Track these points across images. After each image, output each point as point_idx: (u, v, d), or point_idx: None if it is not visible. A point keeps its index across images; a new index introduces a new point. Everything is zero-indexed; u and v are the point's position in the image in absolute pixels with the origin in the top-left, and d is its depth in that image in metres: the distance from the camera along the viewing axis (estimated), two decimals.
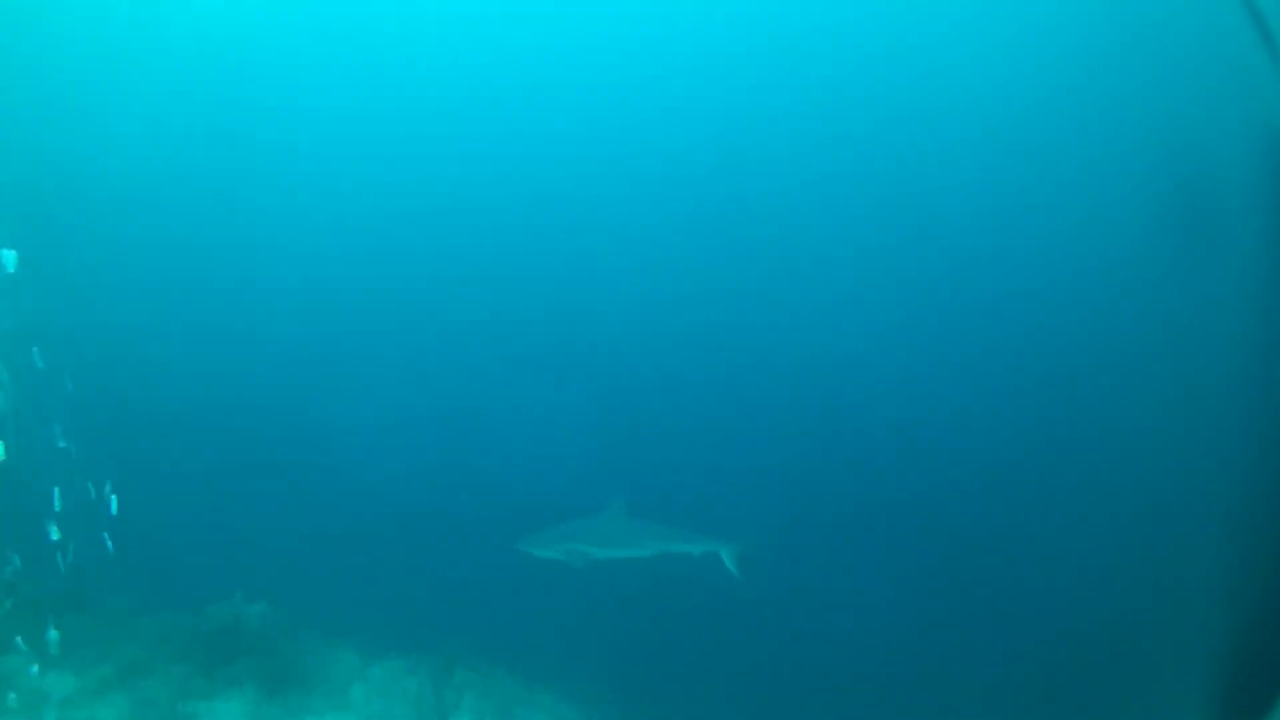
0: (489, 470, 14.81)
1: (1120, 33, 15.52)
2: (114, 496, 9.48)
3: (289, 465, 14.93)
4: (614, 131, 18.58)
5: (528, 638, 12.14)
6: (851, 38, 17.82)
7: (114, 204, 16.78)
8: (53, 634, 8.86)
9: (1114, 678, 11.67)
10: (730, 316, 17.23)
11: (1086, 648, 12.19)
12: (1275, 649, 5.28)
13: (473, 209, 18.14)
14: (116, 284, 16.29)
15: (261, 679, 10.51)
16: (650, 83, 18.69)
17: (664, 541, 11.79)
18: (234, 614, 11.35)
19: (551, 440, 14.88)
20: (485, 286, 17.66)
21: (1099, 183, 16.28)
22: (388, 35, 19.07)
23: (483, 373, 16.56)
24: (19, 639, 9.16)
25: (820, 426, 15.87)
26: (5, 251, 8.18)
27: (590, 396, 15.59)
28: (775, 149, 18.11)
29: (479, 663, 11.82)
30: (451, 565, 13.12)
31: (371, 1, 19.27)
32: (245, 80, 18.12)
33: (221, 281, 17.05)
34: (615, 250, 17.72)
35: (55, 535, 9.02)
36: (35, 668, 9.14)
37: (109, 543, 9.52)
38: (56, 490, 9.05)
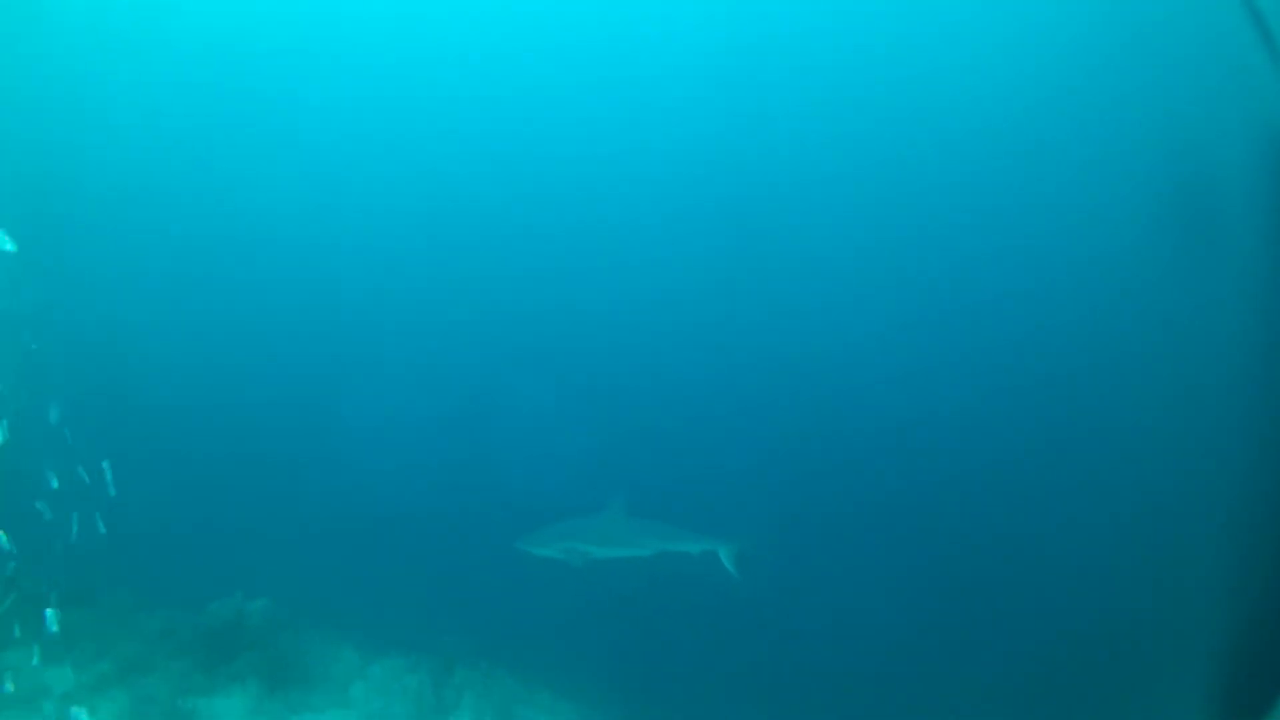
0: (489, 469, 14.80)
1: (1120, 33, 15.52)
2: (109, 473, 9.50)
3: (291, 464, 14.94)
4: (612, 132, 18.59)
5: (528, 637, 12.14)
6: (852, 38, 17.82)
7: (118, 199, 16.82)
8: (50, 613, 8.84)
9: (1114, 678, 11.66)
10: (729, 316, 17.23)
11: (1087, 647, 12.18)
12: (1275, 649, 5.28)
13: (475, 209, 18.16)
14: (119, 282, 16.30)
15: (262, 676, 10.55)
16: (650, 84, 18.69)
17: (663, 541, 11.79)
18: (235, 611, 11.39)
19: (551, 439, 14.88)
20: (485, 286, 17.68)
21: (1099, 182, 16.27)
22: (392, 34, 19.08)
23: (484, 372, 16.57)
24: (18, 628, 9.17)
25: (820, 426, 15.86)
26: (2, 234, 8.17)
27: (590, 396, 15.60)
28: (775, 148, 18.11)
29: (479, 661, 11.84)
30: (452, 564, 13.11)
31: (374, 1, 19.28)
32: (250, 77, 18.14)
33: (223, 280, 17.07)
34: (614, 250, 17.72)
35: (59, 520, 9.03)
36: (36, 659, 9.14)
37: (103, 526, 9.52)
38: (55, 480, 9.07)
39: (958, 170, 17.16)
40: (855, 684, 11.79)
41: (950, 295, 16.87)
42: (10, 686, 8.97)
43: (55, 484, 9.09)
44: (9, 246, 8.26)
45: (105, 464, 9.47)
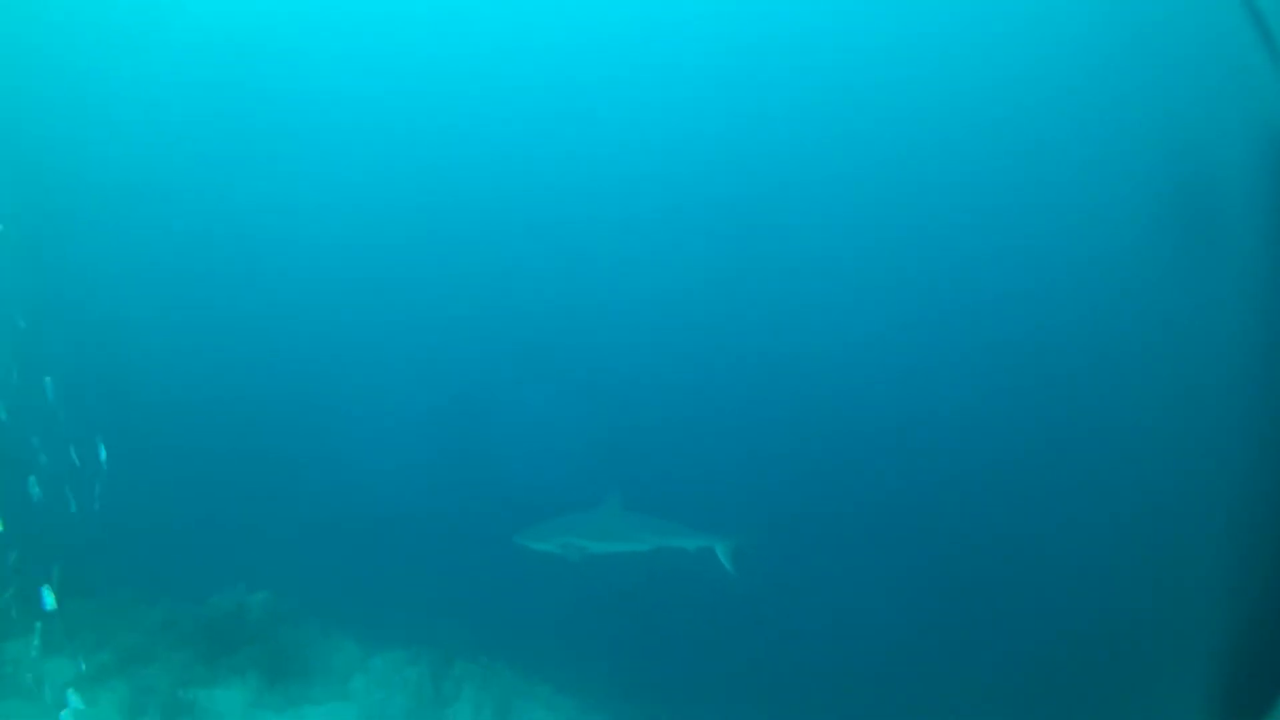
0: (489, 464, 14.82)
1: (1120, 33, 15.51)
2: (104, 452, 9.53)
3: (293, 458, 14.99)
4: (607, 131, 18.59)
5: (527, 631, 12.17)
6: (852, 38, 17.82)
7: (123, 195, 16.88)
8: (46, 590, 8.86)
9: (1114, 678, 11.66)
10: (729, 313, 17.24)
11: (1087, 647, 12.18)
12: (1275, 649, 5.28)
13: (473, 207, 18.17)
14: (125, 279, 16.31)
15: (263, 668, 10.59)
16: (649, 84, 18.69)
17: (659, 536, 11.82)
18: (236, 603, 11.43)
19: (550, 435, 14.90)
20: (484, 284, 17.70)
21: (1099, 182, 16.27)
22: (393, 33, 19.09)
23: (482, 368, 16.60)
24: (18, 617, 9.20)
25: (820, 426, 15.86)
26: None
27: (588, 391, 15.63)
28: (774, 147, 18.11)
29: (479, 654, 11.87)
30: (452, 558, 13.14)
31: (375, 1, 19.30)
32: (250, 76, 18.16)
33: (226, 276, 17.12)
34: (613, 247, 17.72)
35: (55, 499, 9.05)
36: (36, 639, 9.18)
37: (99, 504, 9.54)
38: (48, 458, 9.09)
39: (957, 170, 17.16)
40: (855, 683, 11.78)
41: (950, 295, 16.86)
42: (12, 676, 9.02)
43: (49, 462, 9.11)
44: None
45: (99, 443, 9.50)
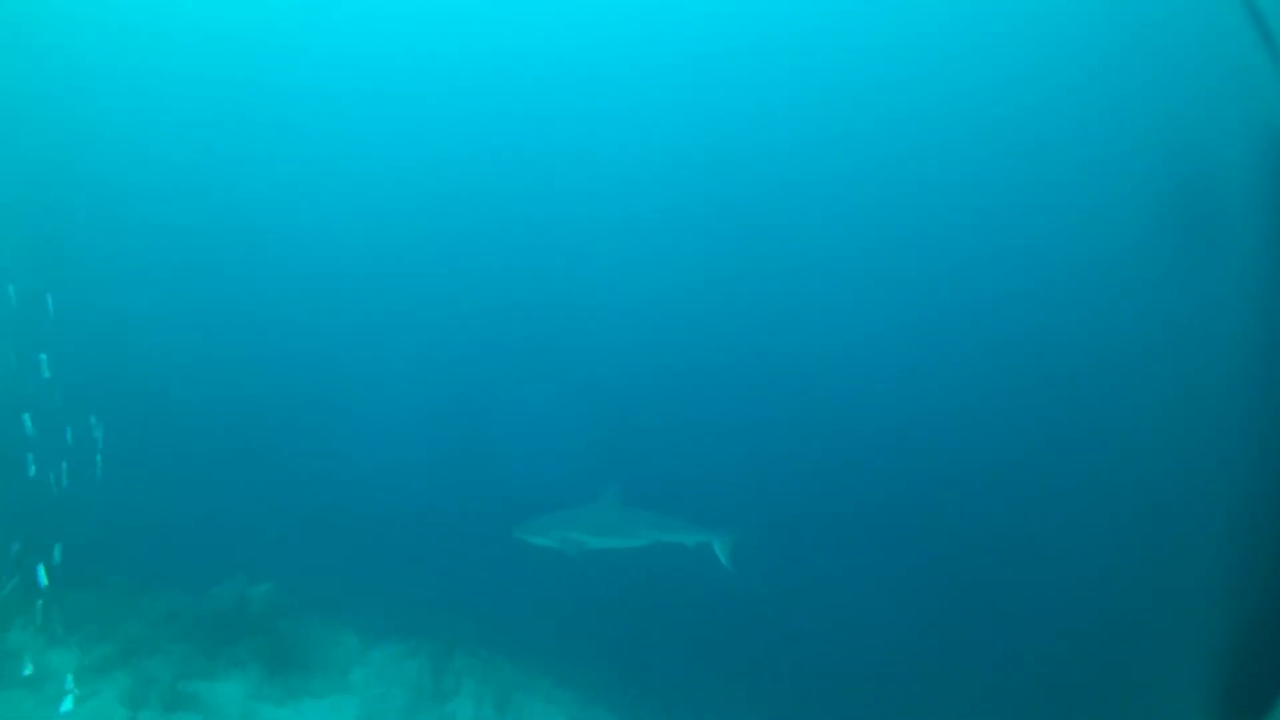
0: (490, 458, 14.85)
1: (1120, 33, 15.51)
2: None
3: (294, 452, 15.04)
4: (608, 131, 18.60)
5: (528, 624, 12.19)
6: (853, 38, 17.82)
7: (127, 196, 16.91)
8: (41, 569, 8.87)
9: (1114, 678, 11.66)
10: (729, 312, 17.24)
11: (1087, 647, 12.18)
12: (1275, 649, 5.28)
13: (472, 205, 18.18)
14: (125, 278, 16.33)
15: (263, 660, 10.62)
16: (649, 84, 18.70)
17: (658, 531, 11.84)
18: (237, 595, 11.46)
19: (551, 430, 14.92)
20: (484, 282, 17.72)
21: (1099, 182, 16.27)
22: (394, 33, 19.11)
23: (483, 364, 16.64)
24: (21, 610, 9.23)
25: (820, 425, 15.86)
26: None
27: (588, 387, 15.65)
28: (774, 147, 18.11)
29: (479, 648, 11.90)
30: (452, 551, 13.16)
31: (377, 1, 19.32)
32: (252, 75, 18.19)
33: (227, 273, 17.15)
34: (613, 246, 17.73)
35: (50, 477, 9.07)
36: (38, 616, 9.20)
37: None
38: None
39: (957, 170, 17.16)
40: (854, 683, 11.79)
41: (950, 295, 16.87)
42: (12, 666, 9.06)
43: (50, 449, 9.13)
44: None
45: (94, 420, 9.53)
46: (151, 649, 10.43)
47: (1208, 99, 12.83)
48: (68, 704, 9.06)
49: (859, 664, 11.88)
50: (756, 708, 12.05)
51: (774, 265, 17.59)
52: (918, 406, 15.83)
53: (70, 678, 9.32)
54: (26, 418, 8.87)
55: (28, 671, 9.25)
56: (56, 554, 8.92)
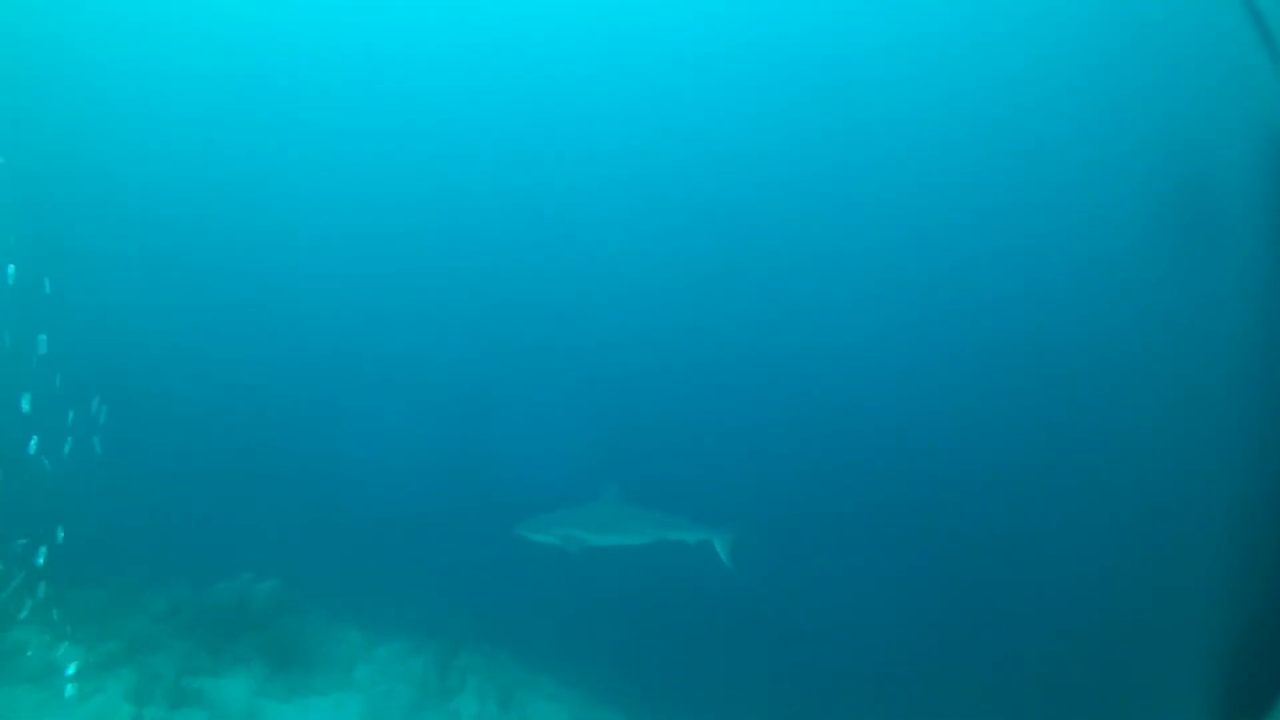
0: (493, 457, 14.88)
1: (1120, 33, 15.52)
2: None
3: (299, 450, 15.09)
4: (608, 131, 18.61)
5: (532, 622, 12.21)
6: (853, 38, 17.82)
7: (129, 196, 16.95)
8: (43, 550, 8.87)
9: (1114, 678, 11.66)
10: (731, 312, 17.25)
11: (1087, 647, 12.18)
12: (1275, 649, 5.28)
13: (475, 206, 18.21)
14: (128, 276, 16.35)
15: (267, 656, 10.62)
16: (650, 83, 18.71)
17: (658, 529, 11.85)
18: (242, 592, 11.43)
19: (553, 428, 14.95)
20: (487, 283, 17.75)
21: (1100, 182, 16.28)
22: (397, 33, 19.13)
23: (486, 364, 16.66)
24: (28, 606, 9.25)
25: (820, 425, 15.87)
26: None
27: (588, 386, 15.67)
28: (775, 147, 18.12)
29: (483, 645, 11.91)
30: (456, 550, 13.18)
31: (378, 2, 19.33)
32: (258, 76, 18.22)
33: (238, 272, 17.20)
34: (613, 245, 17.75)
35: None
36: (40, 592, 9.21)
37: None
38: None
39: (958, 170, 17.17)
40: (855, 682, 11.79)
41: (951, 294, 16.88)
42: (22, 664, 9.07)
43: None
44: None
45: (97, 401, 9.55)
46: (156, 646, 10.42)
47: (1208, 99, 12.83)
48: (69, 690, 9.08)
49: (860, 663, 11.88)
50: (758, 706, 12.06)
51: (774, 265, 17.61)
52: (918, 406, 15.84)
53: (72, 666, 9.33)
54: (26, 398, 8.85)
55: (33, 667, 9.27)
56: (59, 535, 8.91)
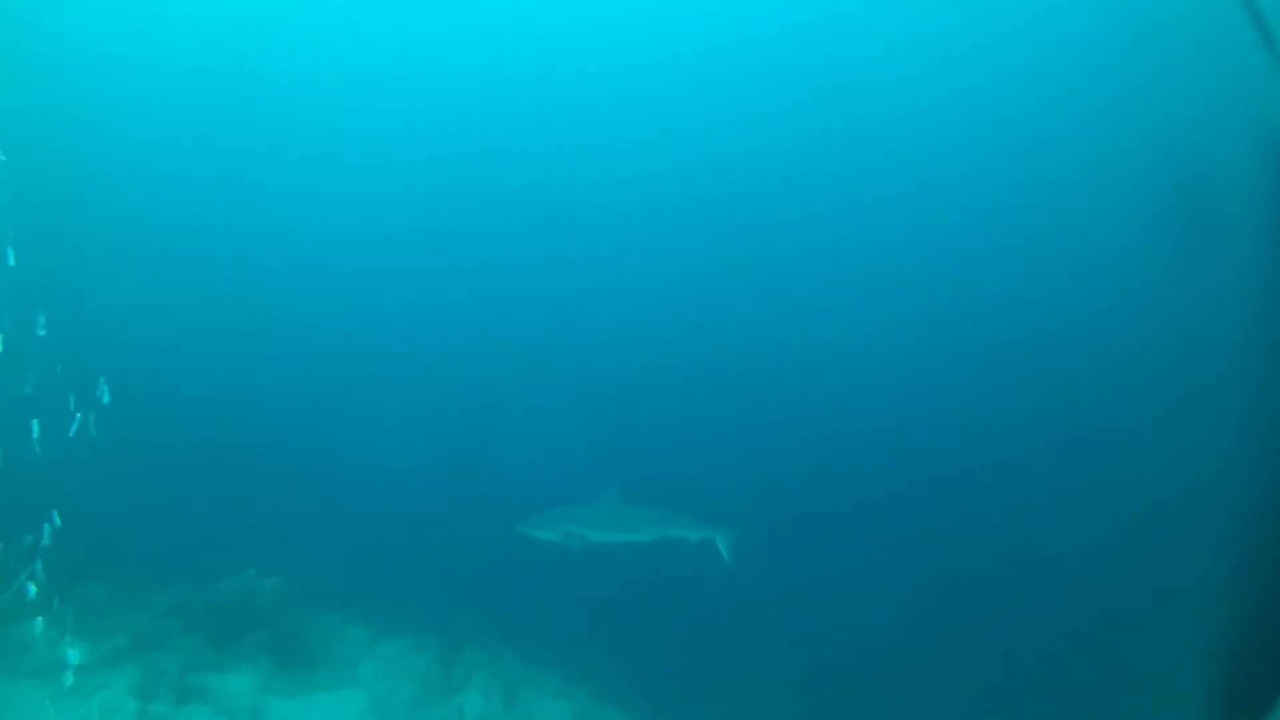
0: (496, 453, 14.90)
1: (1120, 33, 15.51)
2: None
3: (302, 446, 15.12)
4: (607, 128, 18.62)
5: (536, 620, 12.22)
6: (853, 37, 17.82)
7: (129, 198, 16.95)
8: (47, 528, 8.88)
9: (1114, 678, 11.67)
10: (731, 311, 17.26)
11: (1087, 647, 12.19)
12: (1275, 649, 5.28)
13: (476, 205, 18.22)
14: (130, 273, 16.37)
15: (272, 653, 10.67)
16: (650, 81, 18.71)
17: (659, 527, 11.89)
18: (246, 588, 11.46)
19: (554, 424, 14.97)
20: (488, 282, 17.76)
21: (1099, 183, 16.27)
22: (397, 31, 19.14)
23: (487, 361, 16.70)
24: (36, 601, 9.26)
25: (820, 425, 15.87)
26: None
27: (591, 386, 15.70)
28: (774, 145, 18.12)
29: (487, 643, 11.92)
30: (461, 547, 13.19)
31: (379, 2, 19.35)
32: (257, 68, 18.24)
33: (236, 275, 17.21)
34: (613, 244, 17.76)
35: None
36: (42, 574, 9.22)
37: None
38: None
39: (957, 170, 17.16)
40: (855, 682, 11.80)
41: (951, 294, 16.87)
42: (26, 660, 9.10)
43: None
44: None
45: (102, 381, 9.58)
46: (161, 642, 10.49)
47: (1208, 99, 12.83)
48: (68, 679, 9.11)
49: (860, 662, 11.89)
50: (760, 705, 12.07)
51: (774, 264, 17.61)
52: (918, 406, 15.84)
53: (72, 654, 9.36)
54: (29, 384, 8.88)
55: (38, 663, 9.29)
56: (56, 519, 8.92)
